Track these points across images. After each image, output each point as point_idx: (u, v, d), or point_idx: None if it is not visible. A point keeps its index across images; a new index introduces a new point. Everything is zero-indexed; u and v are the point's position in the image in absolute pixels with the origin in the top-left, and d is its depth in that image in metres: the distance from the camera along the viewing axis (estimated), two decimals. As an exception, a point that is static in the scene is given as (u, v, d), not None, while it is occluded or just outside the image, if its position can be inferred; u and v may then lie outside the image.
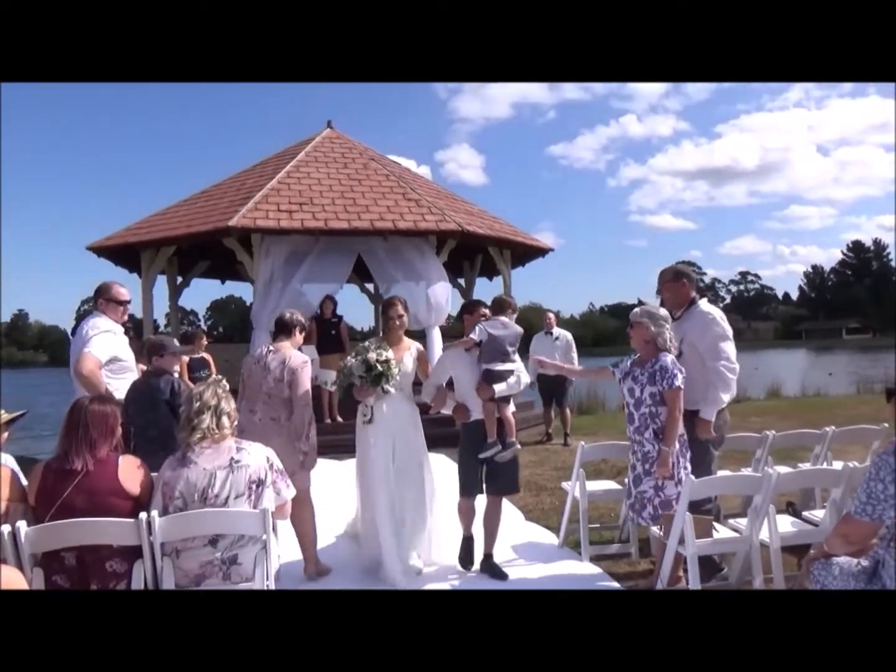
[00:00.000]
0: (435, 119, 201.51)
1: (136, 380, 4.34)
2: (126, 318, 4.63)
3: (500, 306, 4.41)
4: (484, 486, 4.26)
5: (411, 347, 4.39)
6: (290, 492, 3.03)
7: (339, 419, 9.46)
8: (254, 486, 2.86)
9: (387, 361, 4.01)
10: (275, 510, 2.93)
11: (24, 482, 2.92)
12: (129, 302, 4.62)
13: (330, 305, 9.43)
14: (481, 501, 4.30)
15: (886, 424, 4.53)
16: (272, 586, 2.80)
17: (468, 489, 4.28)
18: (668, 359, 3.69)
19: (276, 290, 9.04)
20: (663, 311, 3.86)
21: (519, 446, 4.28)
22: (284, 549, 3.59)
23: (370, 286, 14.58)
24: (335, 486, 6.86)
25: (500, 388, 4.14)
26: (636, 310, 3.89)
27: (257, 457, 2.94)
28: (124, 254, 10.48)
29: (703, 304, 4.08)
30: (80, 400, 2.96)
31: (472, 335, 4.15)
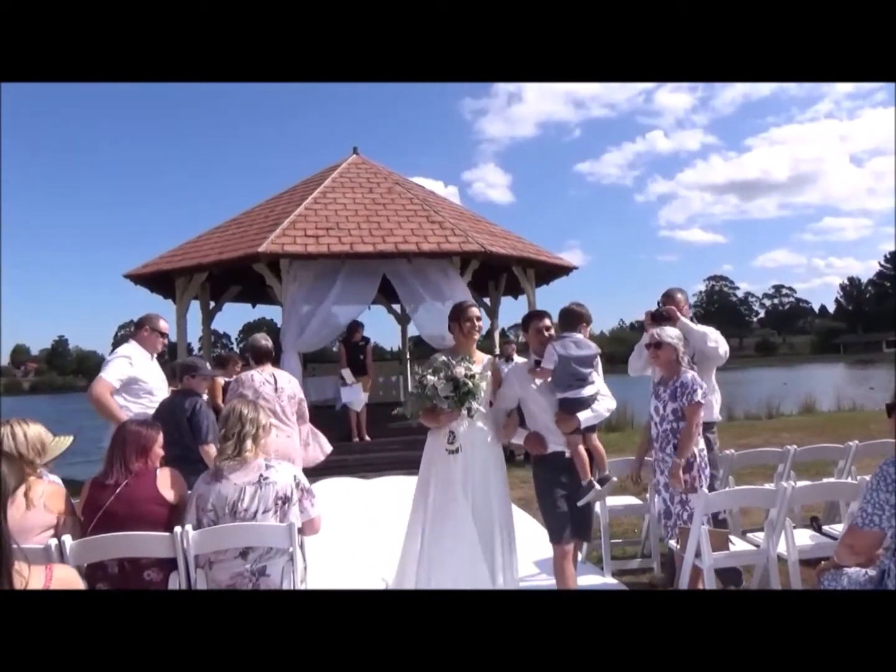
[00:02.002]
0: (461, 140, 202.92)
1: (164, 399, 4.58)
2: (162, 347, 4.93)
3: (571, 319, 3.77)
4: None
5: (484, 360, 3.78)
6: (315, 510, 3.17)
7: (368, 438, 9.63)
8: (280, 503, 3.02)
9: (473, 376, 3.47)
10: (302, 527, 3.09)
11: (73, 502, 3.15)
12: (167, 334, 4.94)
13: (358, 330, 9.67)
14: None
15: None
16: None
17: (561, 532, 3.57)
18: (690, 375, 3.77)
19: (304, 313, 9.29)
20: (678, 331, 3.95)
21: (615, 479, 3.69)
22: (312, 563, 3.70)
23: (397, 307, 14.82)
24: (365, 504, 7.01)
25: (585, 417, 3.58)
26: (659, 331, 3.94)
27: (285, 475, 3.10)
28: (159, 281, 10.85)
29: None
30: (124, 423, 3.23)
31: (546, 364, 3.58)
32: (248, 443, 3.08)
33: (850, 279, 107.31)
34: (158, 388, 4.78)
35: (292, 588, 2.90)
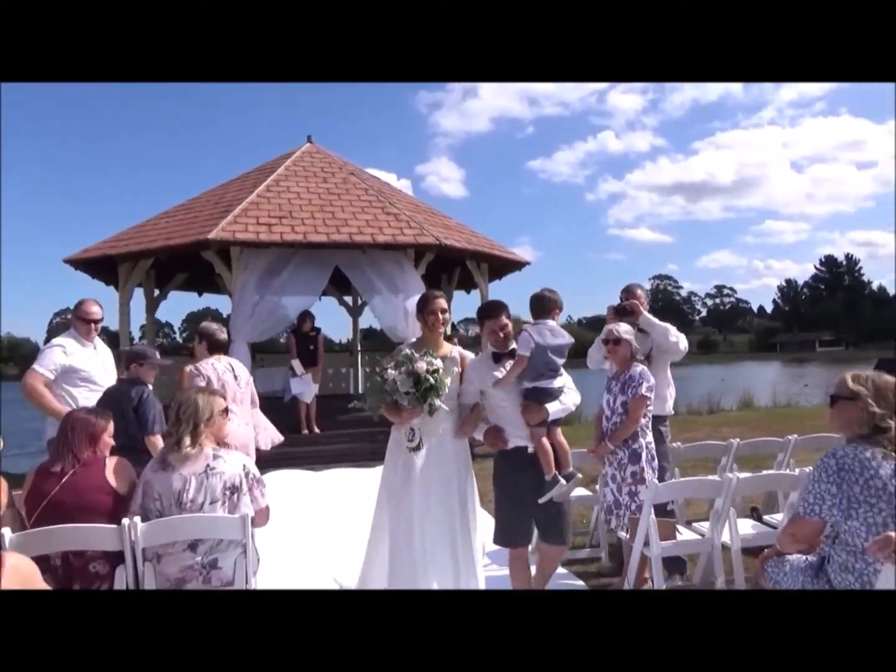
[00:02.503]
0: (415, 133, 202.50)
1: (110, 387, 4.44)
2: (95, 335, 4.76)
3: (545, 306, 3.58)
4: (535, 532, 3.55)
5: (453, 352, 3.60)
6: (265, 500, 3.12)
7: (317, 430, 9.54)
8: (228, 493, 2.95)
9: (437, 371, 3.29)
10: (253, 517, 3.02)
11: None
12: (97, 321, 4.74)
13: (308, 321, 9.55)
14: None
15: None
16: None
17: (518, 535, 3.45)
18: (639, 369, 3.90)
19: (253, 302, 9.11)
20: (631, 328, 4.07)
21: (580, 476, 3.52)
22: (263, 555, 3.63)
23: (348, 298, 14.69)
24: (314, 496, 6.95)
25: (554, 409, 3.41)
26: (616, 327, 4.05)
27: (233, 464, 3.03)
28: (102, 266, 10.47)
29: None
30: (72, 411, 3.15)
31: (521, 351, 3.37)
32: (197, 433, 3.01)
33: (788, 281, 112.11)
34: (100, 376, 4.64)
35: (245, 581, 2.85)
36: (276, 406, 8.22)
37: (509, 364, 3.43)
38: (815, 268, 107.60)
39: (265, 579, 3.38)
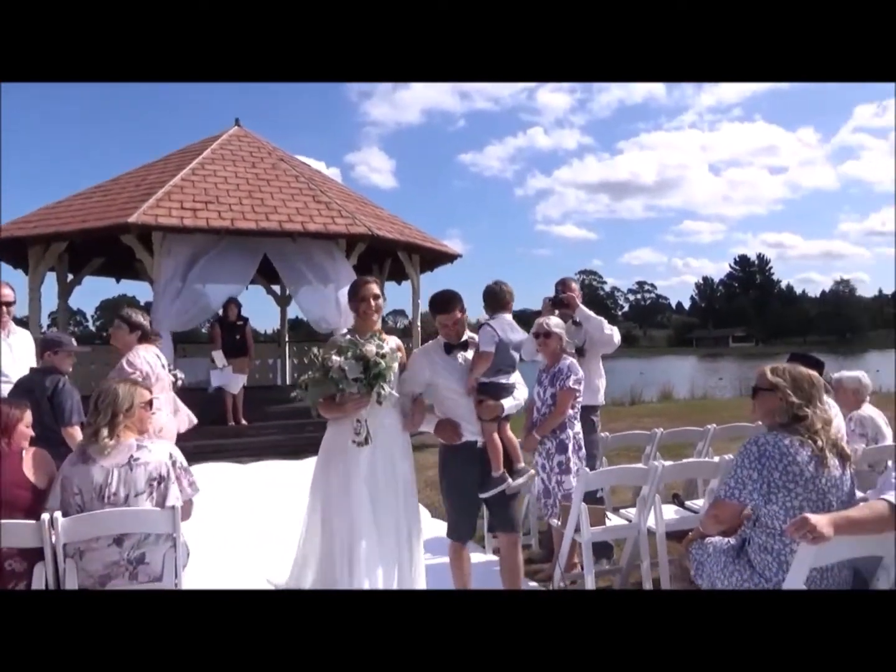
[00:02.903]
0: (345, 121, 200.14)
1: (23, 376, 4.18)
2: (7, 319, 4.47)
3: (501, 300, 3.47)
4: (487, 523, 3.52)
5: (391, 342, 3.38)
6: (192, 490, 3.01)
7: (244, 422, 9.31)
8: (155, 484, 2.83)
9: (385, 356, 3.10)
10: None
11: None
12: (9, 304, 4.46)
13: (234, 308, 9.28)
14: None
15: (760, 422, 5.00)
16: (181, 585, 2.79)
17: (462, 530, 3.40)
18: (567, 362, 4.02)
19: (177, 289, 8.76)
20: (561, 321, 4.17)
21: (533, 471, 3.50)
22: (194, 546, 3.47)
23: (277, 288, 14.36)
24: (240, 489, 6.77)
25: (508, 405, 3.34)
26: (546, 321, 4.13)
27: (159, 454, 2.91)
28: (10, 248, 9.83)
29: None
30: None
31: (486, 347, 3.25)
32: (115, 423, 2.87)
33: (704, 279, 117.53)
34: (7, 364, 4.36)
35: (175, 575, 2.73)
36: (200, 397, 7.96)
37: (461, 355, 3.33)
38: (730, 266, 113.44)
39: (193, 575, 3.27)
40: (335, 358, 3.05)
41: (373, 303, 3.31)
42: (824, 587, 2.42)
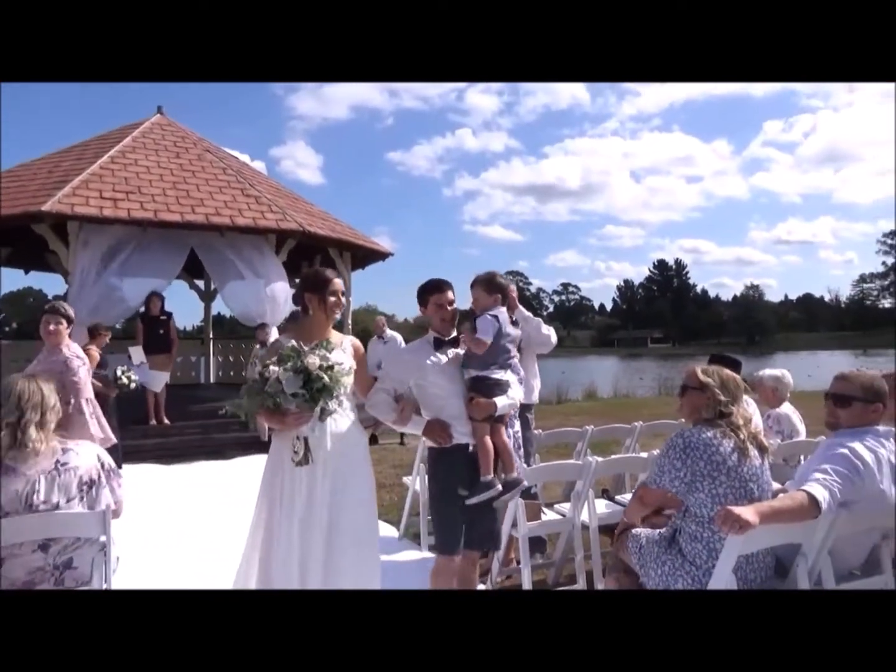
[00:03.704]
0: (270, 114, 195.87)
1: None
2: None
3: (496, 286, 3.21)
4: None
5: (343, 343, 3.08)
6: (121, 492, 2.86)
7: (167, 421, 8.97)
8: (86, 488, 2.65)
9: (331, 368, 2.74)
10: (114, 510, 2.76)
11: None
12: None
13: (157, 302, 8.92)
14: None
15: (683, 420, 5.24)
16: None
17: (450, 543, 3.02)
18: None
19: (92, 283, 8.32)
20: None
21: (526, 483, 3.25)
22: (122, 550, 3.27)
23: (200, 283, 13.91)
24: (164, 491, 6.52)
25: (502, 404, 3.05)
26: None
27: (87, 457, 2.73)
28: None
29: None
30: None
31: (484, 336, 3.02)
32: (32, 430, 2.59)
33: (625, 282, 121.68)
34: None
35: (103, 580, 2.59)
36: (119, 395, 7.60)
37: (451, 352, 3.08)
38: (649, 270, 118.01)
39: (123, 582, 3.11)
40: (273, 368, 2.71)
41: (342, 299, 3.07)
42: (750, 572, 2.56)
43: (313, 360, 2.69)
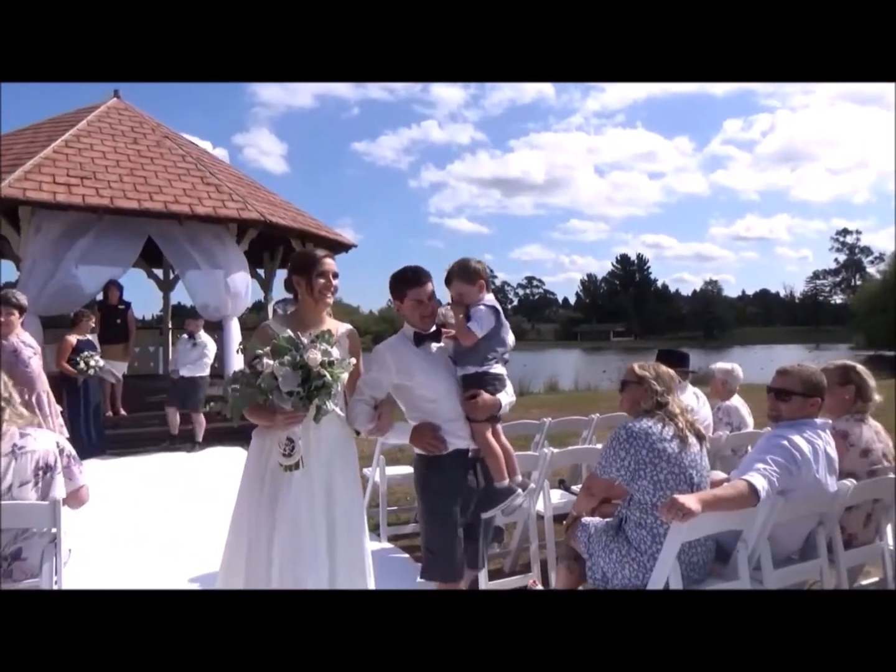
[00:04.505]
0: (233, 100, 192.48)
1: None
2: None
3: (475, 272, 2.84)
4: None
5: (340, 331, 2.81)
6: (82, 479, 2.83)
7: (123, 412, 8.82)
8: (41, 473, 2.64)
9: (332, 364, 2.46)
10: (67, 497, 2.74)
11: None
12: None
13: (116, 292, 8.76)
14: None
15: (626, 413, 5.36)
16: (61, 583, 2.62)
17: (451, 569, 2.68)
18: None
19: (45, 270, 8.10)
20: None
21: (533, 485, 3.01)
22: (76, 542, 3.20)
23: (159, 272, 13.64)
24: (124, 485, 6.41)
25: (505, 401, 2.80)
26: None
27: (45, 442, 2.71)
28: None
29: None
30: None
31: (477, 328, 2.72)
32: (2, 409, 2.63)
33: (589, 276, 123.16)
34: None
35: (53, 572, 2.56)
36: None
37: (434, 346, 2.77)
38: (612, 265, 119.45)
39: (75, 573, 3.07)
40: (267, 361, 2.41)
41: (333, 282, 2.72)
42: (693, 556, 2.67)
43: (315, 356, 2.40)
